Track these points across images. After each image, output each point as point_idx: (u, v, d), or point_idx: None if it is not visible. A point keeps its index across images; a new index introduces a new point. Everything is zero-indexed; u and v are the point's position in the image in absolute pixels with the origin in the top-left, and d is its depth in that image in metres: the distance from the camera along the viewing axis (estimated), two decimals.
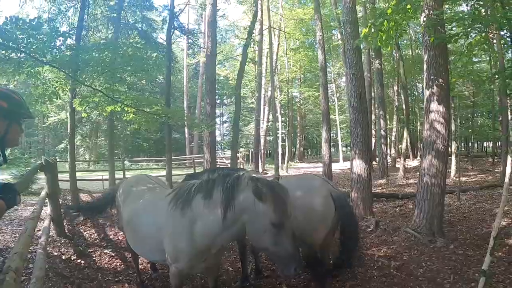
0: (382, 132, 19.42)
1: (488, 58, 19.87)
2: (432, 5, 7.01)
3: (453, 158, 16.11)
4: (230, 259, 6.27)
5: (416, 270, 5.49)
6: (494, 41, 13.32)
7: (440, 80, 6.91)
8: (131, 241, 4.36)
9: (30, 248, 5.18)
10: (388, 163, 21.05)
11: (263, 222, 3.07)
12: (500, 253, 5.91)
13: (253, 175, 3.41)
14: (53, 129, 38.06)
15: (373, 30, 6.57)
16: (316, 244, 4.30)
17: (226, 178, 3.36)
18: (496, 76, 8.41)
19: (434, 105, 6.99)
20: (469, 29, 6.66)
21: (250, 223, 3.17)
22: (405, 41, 28.73)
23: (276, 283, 5.21)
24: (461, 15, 7.54)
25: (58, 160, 15.93)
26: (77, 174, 11.92)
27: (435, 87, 6.94)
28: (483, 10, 7.91)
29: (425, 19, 7.10)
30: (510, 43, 6.18)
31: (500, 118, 18.44)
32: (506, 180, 5.05)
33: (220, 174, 3.52)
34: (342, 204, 4.30)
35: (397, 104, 21.57)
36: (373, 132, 24.03)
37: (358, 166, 8.82)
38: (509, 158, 5.37)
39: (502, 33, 8.17)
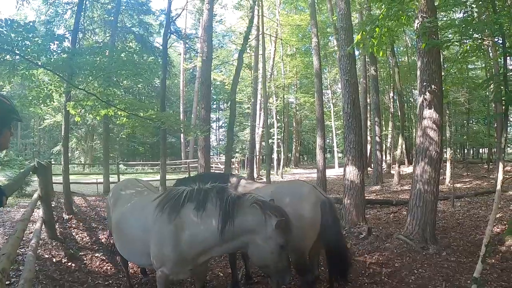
0: (377, 139, 19.45)
1: (483, 65, 19.97)
2: (426, 11, 7.04)
3: (448, 164, 16.16)
4: (221, 264, 6.25)
5: (408, 277, 5.47)
6: (490, 48, 13.42)
7: (433, 86, 6.92)
8: (118, 244, 4.33)
9: (22, 250, 5.17)
10: (383, 170, 21.08)
11: (272, 245, 3.15)
12: (493, 260, 5.92)
13: (258, 197, 3.41)
14: (48, 131, 38.07)
15: (367, 36, 6.58)
16: (306, 250, 4.29)
17: (224, 194, 3.38)
18: (490, 82, 8.42)
19: (427, 112, 6.99)
20: (462, 36, 6.66)
21: (255, 245, 3.23)
22: (401, 48, 28.90)
23: None
24: (457, 22, 7.56)
25: (53, 162, 16.00)
26: (72, 177, 11.90)
27: (428, 94, 6.95)
28: (477, 17, 7.93)
29: (419, 25, 7.12)
30: (502, 49, 6.18)
31: (496, 125, 18.53)
32: (498, 187, 5.06)
33: (214, 186, 3.52)
34: (325, 212, 4.22)
35: (392, 110, 21.61)
36: (369, 138, 24.09)
37: (351, 172, 8.82)
38: (500, 165, 5.39)
39: (495, 39, 8.20)
